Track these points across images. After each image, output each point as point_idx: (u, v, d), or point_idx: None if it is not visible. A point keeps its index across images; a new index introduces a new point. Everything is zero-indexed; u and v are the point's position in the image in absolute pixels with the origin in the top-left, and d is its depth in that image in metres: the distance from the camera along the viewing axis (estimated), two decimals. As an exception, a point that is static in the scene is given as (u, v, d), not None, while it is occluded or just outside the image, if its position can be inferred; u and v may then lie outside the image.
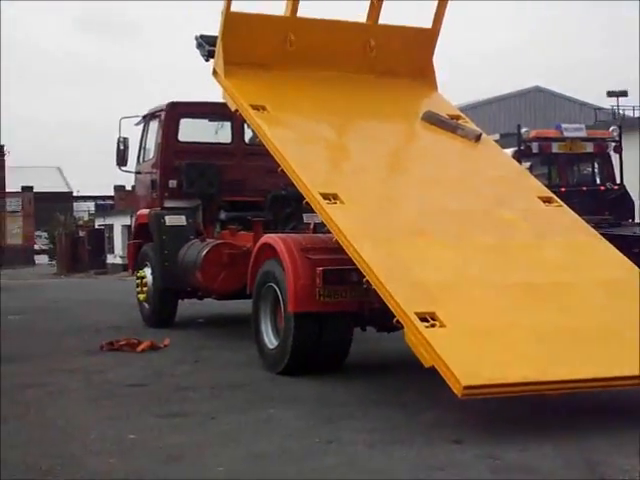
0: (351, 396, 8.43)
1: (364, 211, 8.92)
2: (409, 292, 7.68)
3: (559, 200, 9.84)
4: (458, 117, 11.28)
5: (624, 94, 28.95)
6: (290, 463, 6.28)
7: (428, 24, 11.86)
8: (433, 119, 10.99)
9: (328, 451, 6.58)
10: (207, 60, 11.94)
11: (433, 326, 7.21)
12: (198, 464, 6.30)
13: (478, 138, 10.77)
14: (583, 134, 17.97)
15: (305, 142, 10.11)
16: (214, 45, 11.57)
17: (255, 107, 10.41)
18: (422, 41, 11.88)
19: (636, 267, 8.84)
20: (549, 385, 6.93)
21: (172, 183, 13.45)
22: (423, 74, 11.91)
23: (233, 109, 11.01)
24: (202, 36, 11.97)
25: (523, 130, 17.43)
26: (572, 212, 9.77)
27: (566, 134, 17.66)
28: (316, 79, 11.23)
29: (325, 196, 8.91)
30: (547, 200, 9.79)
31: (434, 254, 8.36)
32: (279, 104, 10.60)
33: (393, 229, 8.70)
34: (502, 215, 9.29)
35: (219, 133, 13.98)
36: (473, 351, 7.07)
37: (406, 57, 11.77)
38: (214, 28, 11.45)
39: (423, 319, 7.27)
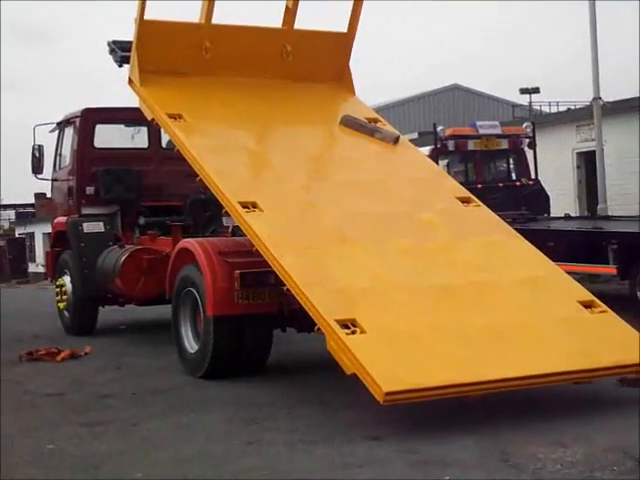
0: (273, 397, 8.47)
1: (284, 219, 8.89)
2: (330, 299, 7.67)
3: (477, 200, 9.94)
4: (376, 120, 11.34)
5: (536, 91, 29.48)
6: (210, 467, 6.30)
7: (344, 28, 11.91)
8: (351, 123, 11.02)
9: (248, 453, 6.62)
10: (120, 66, 11.87)
11: (354, 333, 7.23)
12: (117, 471, 6.28)
13: (396, 141, 10.85)
14: (498, 131, 18.33)
15: (223, 150, 10.02)
16: (127, 50, 11.50)
17: (172, 116, 10.32)
18: (338, 45, 11.93)
19: (554, 264, 8.99)
20: (472, 386, 6.93)
21: (89, 190, 13.34)
22: (340, 78, 11.97)
23: (150, 118, 10.92)
24: (115, 42, 11.89)
25: (439, 128, 17.71)
26: (490, 212, 9.88)
27: (481, 131, 18.00)
28: (233, 86, 11.18)
29: (244, 205, 8.85)
30: (465, 200, 9.88)
31: (355, 260, 8.37)
32: (196, 112, 10.52)
33: (313, 236, 8.68)
34: (421, 217, 9.34)
35: (136, 138, 13.89)
36: (394, 356, 7.09)
37: (323, 61, 11.81)
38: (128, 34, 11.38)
39: (344, 326, 7.28)
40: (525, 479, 5.80)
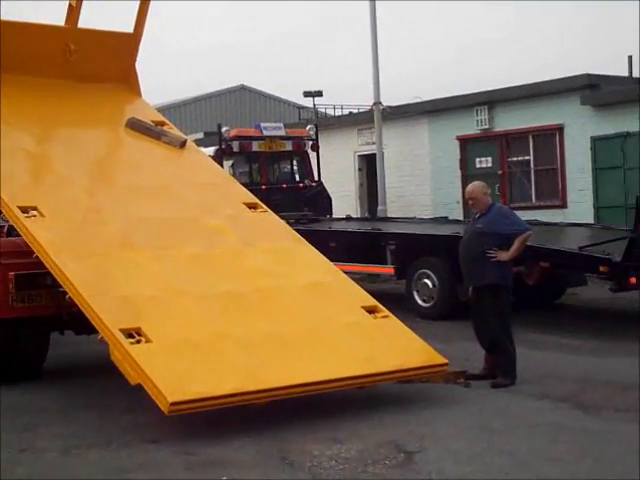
0: (50, 402, 8.30)
1: (66, 224, 8.64)
2: (114, 308, 7.51)
3: (264, 206, 9.99)
4: (163, 123, 11.23)
5: (319, 94, 29.97)
6: (-21, 476, 6.09)
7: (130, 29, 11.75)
8: (137, 126, 10.85)
9: (22, 461, 6.46)
10: None
11: (139, 342, 7.12)
12: None
13: (183, 144, 10.77)
14: (282, 133, 18.52)
15: (2, 153, 9.53)
16: None
17: None
18: (124, 45, 11.75)
19: (339, 270, 9.18)
20: (258, 394, 6.96)
21: None
22: (126, 79, 11.80)
23: None
24: None
25: (224, 129, 17.71)
26: (277, 217, 9.98)
27: (265, 133, 18.13)
28: (13, 84, 10.69)
29: (24, 209, 8.54)
30: (252, 206, 9.93)
31: (140, 266, 8.24)
32: None
33: (97, 242, 8.46)
34: (208, 223, 9.30)
35: None
36: (180, 366, 7.01)
37: (108, 62, 11.59)
38: None
39: (129, 335, 7.15)
40: (302, 477, 5.92)
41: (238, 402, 6.89)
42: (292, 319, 8.07)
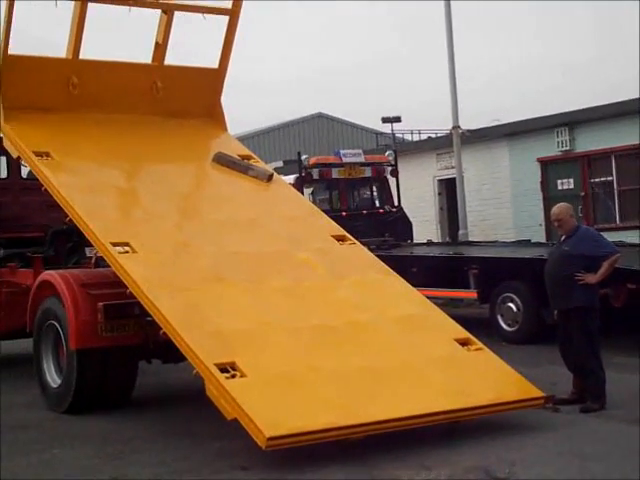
0: (139, 430, 8.37)
1: (158, 259, 8.70)
2: (208, 342, 7.52)
3: (352, 238, 9.96)
4: (249, 157, 11.28)
5: (398, 120, 29.91)
6: (74, 503, 6.19)
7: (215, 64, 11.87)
8: (224, 160, 10.93)
9: (113, 488, 6.52)
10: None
11: (234, 377, 7.11)
12: (-23, 512, 6.10)
13: (270, 178, 10.80)
14: (361, 159, 18.56)
15: (93, 189, 9.72)
16: None
17: (39, 154, 10.01)
18: (209, 81, 11.86)
19: (430, 302, 9.09)
20: (352, 429, 6.90)
21: (-55, 221, 12.88)
22: (212, 114, 11.90)
23: (15, 156, 10.62)
24: None
25: (303, 157, 17.82)
26: (365, 249, 9.94)
27: (345, 160, 18.19)
28: (102, 122, 10.92)
29: (117, 245, 8.64)
30: (340, 238, 9.89)
31: (231, 301, 8.25)
32: (64, 150, 10.24)
33: (189, 277, 8.50)
34: (297, 256, 9.28)
35: (-6, 168, 13.51)
36: (275, 400, 7.01)
37: (194, 98, 11.71)
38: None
39: (223, 370, 7.15)
40: (391, 503, 5.89)
41: (334, 437, 6.83)
42: (384, 352, 7.98)
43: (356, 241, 9.95)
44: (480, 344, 8.32)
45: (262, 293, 8.50)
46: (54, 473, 6.96)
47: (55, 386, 9.45)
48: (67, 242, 12.29)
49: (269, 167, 11.30)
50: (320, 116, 40.78)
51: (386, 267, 9.52)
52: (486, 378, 7.98)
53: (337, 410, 7.00)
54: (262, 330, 7.92)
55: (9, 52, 10.57)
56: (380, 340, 8.15)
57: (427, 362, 7.95)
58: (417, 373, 7.77)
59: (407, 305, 8.88)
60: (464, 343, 8.31)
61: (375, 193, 19.07)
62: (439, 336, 8.41)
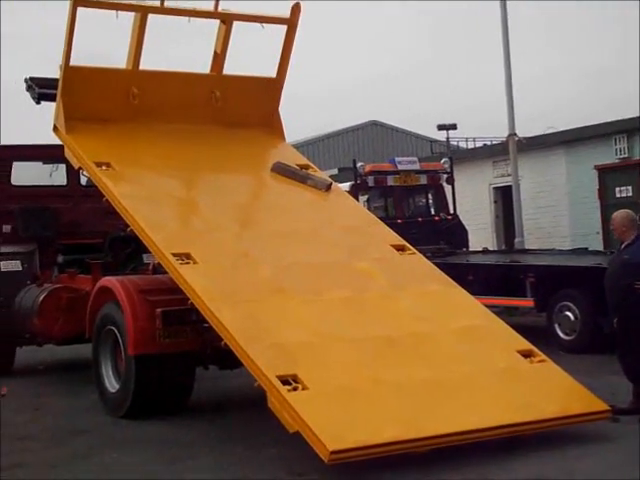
0: (196, 435, 8.42)
1: (219, 270, 8.72)
2: (269, 354, 7.50)
3: (412, 248, 9.89)
4: (307, 167, 11.27)
5: (453, 127, 29.77)
6: (132, 507, 6.24)
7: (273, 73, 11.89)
8: (283, 170, 10.94)
9: (172, 493, 6.57)
10: (38, 103, 11.74)
11: (295, 389, 7.08)
12: (38, 515, 6.17)
13: (328, 188, 10.78)
14: (416, 167, 18.55)
15: (154, 200, 9.79)
16: (44, 87, 11.38)
17: (99, 164, 10.12)
18: (267, 90, 11.88)
19: (492, 313, 9.00)
20: (416, 442, 6.84)
21: (6, 228, 13.10)
22: (270, 124, 11.90)
23: (76, 167, 10.78)
24: (32, 78, 11.75)
25: (359, 164, 17.84)
26: (425, 259, 9.86)
27: (400, 167, 18.19)
28: (162, 132, 11.01)
29: (178, 256, 8.67)
30: (400, 248, 9.82)
31: (292, 312, 8.23)
32: (124, 160, 10.32)
33: (249, 288, 8.50)
34: (357, 266, 9.23)
35: (54, 175, 13.72)
36: (338, 413, 6.97)
37: (252, 107, 11.73)
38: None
39: (285, 382, 7.12)
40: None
41: (398, 450, 6.77)
42: (447, 364, 7.91)
43: (416, 251, 9.87)
44: (543, 356, 8.22)
45: (322, 304, 8.47)
46: (114, 477, 7.03)
47: (113, 391, 9.55)
48: (125, 248, 12.45)
49: (327, 176, 11.26)
50: (374, 124, 40.76)
51: (447, 277, 9.42)
52: (550, 391, 7.88)
53: (400, 423, 6.95)
54: (323, 342, 7.88)
55: (71, 64, 10.68)
56: (442, 352, 8.08)
57: (490, 374, 7.87)
58: (480, 385, 7.68)
59: (469, 316, 8.79)
60: (527, 355, 8.21)
61: (430, 201, 19.03)
62: (502, 348, 8.32)
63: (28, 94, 11.95)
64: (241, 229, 9.97)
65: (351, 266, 9.22)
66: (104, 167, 10.09)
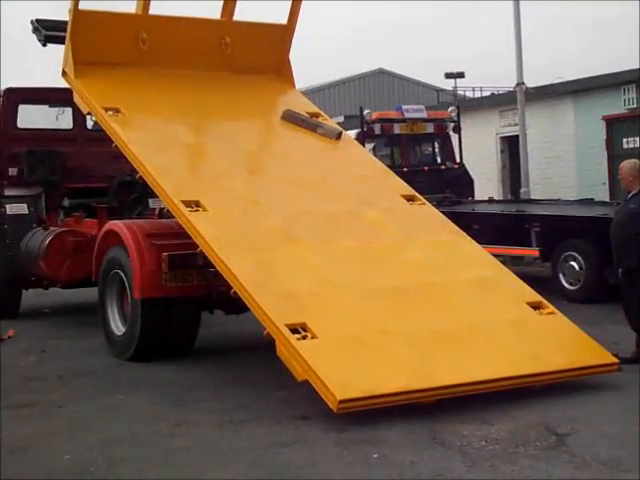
0: (201, 378, 8.50)
1: (228, 218, 8.69)
2: (278, 303, 7.49)
3: (422, 198, 9.85)
4: (317, 115, 11.20)
5: (461, 75, 29.54)
6: (138, 447, 6.31)
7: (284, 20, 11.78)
8: (293, 118, 10.85)
9: (177, 434, 6.63)
10: (44, 45, 11.68)
11: (304, 338, 7.08)
12: (44, 454, 6.24)
13: (339, 136, 10.70)
14: (423, 115, 18.43)
15: (163, 146, 9.73)
16: (51, 29, 11.30)
17: (108, 109, 10.06)
18: (278, 37, 11.77)
19: (501, 265, 8.99)
20: (424, 392, 6.86)
21: (12, 171, 13.08)
22: (280, 71, 11.82)
23: (85, 112, 10.72)
24: (38, 20, 11.67)
25: (365, 112, 17.73)
26: (435, 210, 9.82)
27: (407, 115, 18.07)
28: (171, 78, 10.92)
29: (187, 204, 8.62)
30: (410, 198, 9.78)
31: (302, 261, 8.19)
32: (133, 106, 10.25)
33: (259, 236, 8.47)
34: (367, 216, 9.19)
35: (60, 119, 13.67)
36: (346, 362, 6.98)
37: (262, 54, 11.63)
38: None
39: (294, 330, 7.12)
40: (452, 455, 5.91)
41: (405, 400, 6.78)
42: (456, 315, 7.90)
43: (426, 201, 9.83)
44: (552, 308, 8.22)
45: (332, 253, 8.45)
46: (120, 417, 7.10)
47: (119, 334, 9.62)
48: (131, 193, 12.46)
49: (337, 125, 11.20)
50: (381, 72, 40.51)
51: (457, 228, 9.40)
52: (559, 343, 7.89)
53: (408, 374, 6.96)
54: (332, 291, 7.86)
55: (79, 8, 10.58)
56: (451, 303, 8.06)
57: (499, 325, 7.87)
58: (489, 337, 7.68)
59: (479, 267, 8.77)
60: (536, 307, 8.20)
61: (437, 149, 18.92)
62: (511, 299, 8.33)
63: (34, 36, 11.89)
64: (251, 177, 9.91)
65: (361, 215, 9.19)
66: (113, 112, 10.03)
